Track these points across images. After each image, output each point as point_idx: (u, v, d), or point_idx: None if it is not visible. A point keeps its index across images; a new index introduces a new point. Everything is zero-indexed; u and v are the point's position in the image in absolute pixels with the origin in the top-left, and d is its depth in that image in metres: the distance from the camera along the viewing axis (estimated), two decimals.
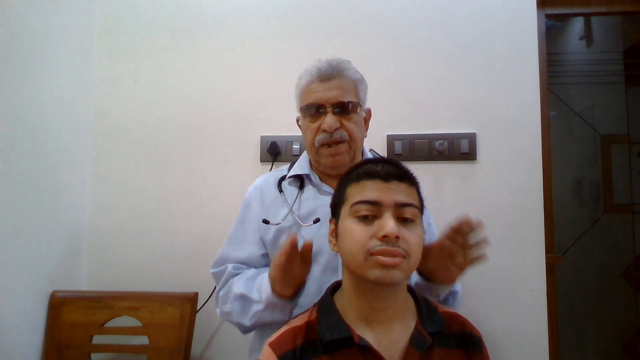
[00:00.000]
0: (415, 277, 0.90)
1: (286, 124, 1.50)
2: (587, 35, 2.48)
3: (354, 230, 0.71)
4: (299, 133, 1.10)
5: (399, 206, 0.71)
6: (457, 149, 1.46)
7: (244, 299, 0.95)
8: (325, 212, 0.98)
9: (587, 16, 2.39)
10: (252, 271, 1.02)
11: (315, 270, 0.97)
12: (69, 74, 1.49)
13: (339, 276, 0.94)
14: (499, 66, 1.47)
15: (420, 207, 0.76)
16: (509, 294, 1.41)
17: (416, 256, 0.71)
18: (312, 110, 0.98)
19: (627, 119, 2.46)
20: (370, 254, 0.68)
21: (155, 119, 1.58)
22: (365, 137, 1.08)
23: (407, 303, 0.76)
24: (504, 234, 1.42)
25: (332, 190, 1.01)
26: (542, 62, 1.49)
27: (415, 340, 0.71)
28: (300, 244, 0.82)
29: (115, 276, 1.53)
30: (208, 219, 1.52)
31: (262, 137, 1.53)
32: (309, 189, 1.05)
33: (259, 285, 0.93)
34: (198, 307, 1.39)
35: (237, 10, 1.58)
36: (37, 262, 1.34)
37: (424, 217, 0.78)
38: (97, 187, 1.58)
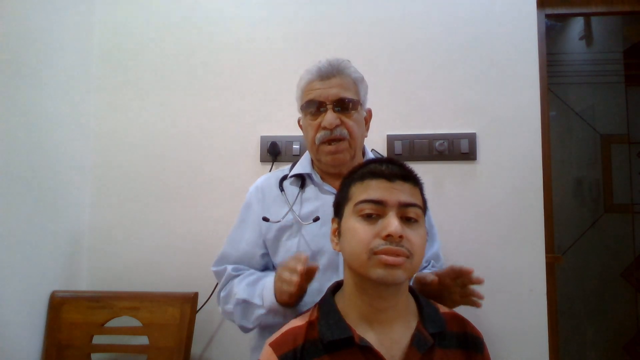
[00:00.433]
0: None
1: (286, 124, 1.50)
2: (587, 35, 2.48)
3: (357, 229, 0.71)
4: (299, 133, 1.10)
5: (403, 206, 0.71)
6: (457, 149, 1.46)
7: (246, 304, 0.97)
8: (326, 211, 0.99)
9: (587, 16, 2.39)
10: (253, 276, 1.02)
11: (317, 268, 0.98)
12: (69, 74, 1.49)
13: (340, 275, 0.94)
14: (499, 66, 1.47)
15: (424, 208, 0.76)
16: (509, 294, 1.41)
17: (419, 256, 0.71)
18: (313, 108, 0.99)
19: (627, 119, 2.46)
20: (374, 253, 0.68)
21: (155, 120, 1.58)
22: (366, 137, 1.08)
23: (408, 303, 0.76)
24: (504, 234, 1.42)
25: (333, 190, 1.01)
26: (542, 62, 1.49)
27: (416, 341, 0.71)
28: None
29: (115, 276, 1.53)
30: (208, 219, 1.52)
31: (262, 137, 1.53)
32: (310, 188, 1.06)
33: (260, 292, 0.95)
34: (198, 307, 1.39)
35: (238, 11, 1.58)
36: (37, 262, 1.34)
37: (426, 218, 0.78)
38: (97, 187, 1.58)
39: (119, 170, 1.57)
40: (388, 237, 0.68)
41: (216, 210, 1.51)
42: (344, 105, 0.98)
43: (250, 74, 1.56)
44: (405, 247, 0.68)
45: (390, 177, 0.73)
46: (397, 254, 0.67)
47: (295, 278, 0.81)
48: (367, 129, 1.09)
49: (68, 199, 1.48)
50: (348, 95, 0.98)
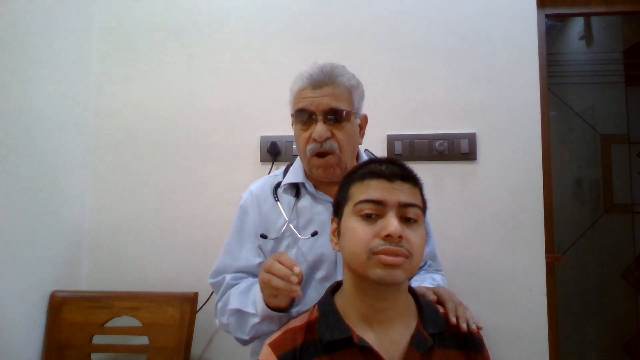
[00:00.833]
0: None
1: (286, 124, 1.47)
2: (587, 35, 2.48)
3: (357, 229, 0.71)
4: None
5: (403, 206, 0.71)
6: (457, 149, 1.46)
7: (240, 314, 0.94)
8: (322, 219, 0.99)
9: (587, 16, 2.38)
10: (245, 283, 0.99)
11: (315, 279, 0.97)
12: (69, 74, 1.49)
13: None
14: (499, 66, 1.47)
15: (424, 208, 0.76)
16: (509, 294, 1.41)
17: (418, 256, 0.71)
18: (304, 117, 0.96)
19: (627, 119, 2.46)
20: (373, 253, 0.68)
21: (155, 120, 1.58)
22: (361, 144, 1.06)
23: (408, 304, 0.76)
24: (504, 234, 1.42)
25: (327, 198, 1.00)
26: (542, 62, 1.49)
27: (415, 341, 0.70)
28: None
29: (115, 276, 1.53)
30: (208, 219, 1.52)
31: (262, 137, 1.53)
32: (305, 197, 1.03)
33: (253, 299, 0.92)
34: (198, 307, 1.39)
35: (237, 11, 1.58)
36: (37, 262, 1.34)
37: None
38: (97, 187, 1.58)
39: (119, 170, 1.58)
40: (387, 237, 0.68)
41: (216, 210, 1.51)
42: (335, 116, 0.94)
43: (251, 73, 1.56)
44: (404, 247, 0.68)
45: (390, 177, 0.73)
46: (396, 254, 0.67)
47: (293, 287, 0.78)
48: (362, 135, 1.06)
49: (68, 199, 1.48)
50: (340, 105, 0.94)
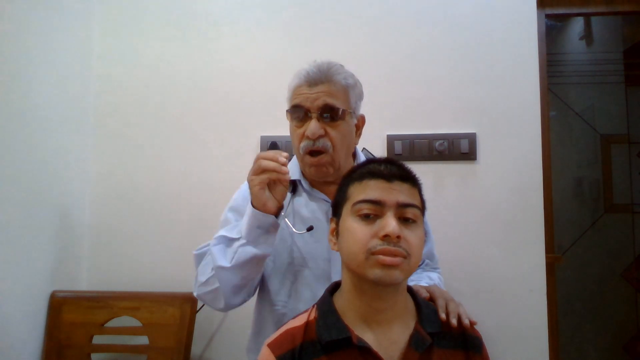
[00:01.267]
0: None
1: (286, 124, 1.48)
2: (587, 35, 2.48)
3: (355, 229, 0.71)
4: None
5: (401, 206, 0.71)
6: (457, 149, 1.46)
7: (224, 240, 0.92)
8: (317, 217, 0.99)
9: (587, 16, 2.38)
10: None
11: (309, 276, 0.97)
12: (69, 71, 1.50)
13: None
14: (499, 66, 1.47)
15: (422, 208, 0.76)
16: (509, 294, 1.41)
17: (416, 257, 0.71)
18: (299, 114, 0.95)
19: (627, 119, 2.46)
20: (371, 253, 0.68)
21: (156, 120, 1.58)
22: (357, 144, 1.05)
23: (406, 303, 0.76)
24: (504, 234, 1.42)
25: (322, 196, 1.00)
26: (542, 62, 1.49)
27: (414, 341, 0.70)
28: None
29: (115, 276, 1.53)
30: (208, 219, 1.52)
31: (262, 137, 1.53)
32: (301, 194, 1.03)
33: (238, 229, 0.91)
34: (198, 307, 1.39)
35: (237, 10, 1.58)
36: (37, 262, 1.34)
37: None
38: (97, 187, 1.58)
39: (120, 170, 1.58)
40: (386, 238, 0.67)
41: (216, 210, 1.50)
42: (330, 114, 0.94)
43: (251, 73, 1.56)
44: (402, 247, 0.68)
45: (388, 178, 0.73)
46: (394, 254, 0.67)
47: (283, 167, 0.82)
48: (359, 135, 1.05)
49: (68, 199, 1.48)
50: (336, 103, 0.93)
